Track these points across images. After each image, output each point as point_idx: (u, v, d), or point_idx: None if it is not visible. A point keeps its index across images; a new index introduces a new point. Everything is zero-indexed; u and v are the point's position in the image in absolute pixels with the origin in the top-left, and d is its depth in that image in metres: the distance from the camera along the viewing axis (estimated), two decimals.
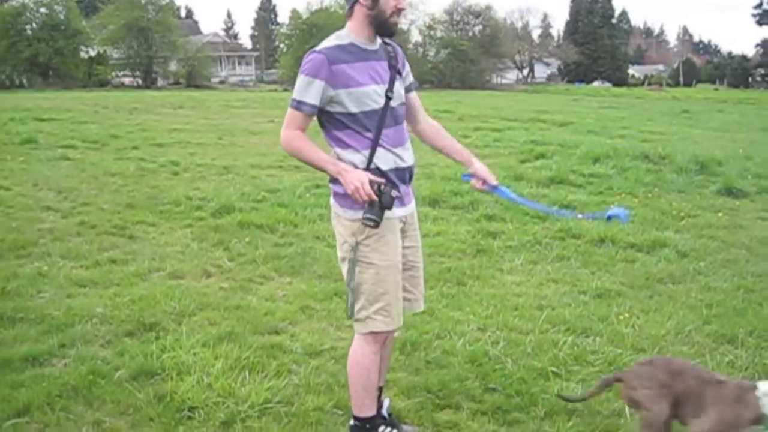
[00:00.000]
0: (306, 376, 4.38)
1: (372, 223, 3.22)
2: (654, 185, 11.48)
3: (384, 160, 3.35)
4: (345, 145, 3.33)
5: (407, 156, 3.46)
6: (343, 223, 3.39)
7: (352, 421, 3.60)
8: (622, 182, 11.69)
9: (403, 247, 3.49)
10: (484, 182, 3.60)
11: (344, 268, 3.45)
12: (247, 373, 4.33)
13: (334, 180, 3.37)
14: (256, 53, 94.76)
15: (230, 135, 18.62)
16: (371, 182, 3.18)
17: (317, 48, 3.29)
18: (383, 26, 3.33)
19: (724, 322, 5.42)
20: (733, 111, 37.70)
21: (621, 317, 5.51)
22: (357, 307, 3.40)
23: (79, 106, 26.47)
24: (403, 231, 3.50)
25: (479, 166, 3.63)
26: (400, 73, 3.48)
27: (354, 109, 3.27)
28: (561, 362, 4.63)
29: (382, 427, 3.63)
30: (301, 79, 3.27)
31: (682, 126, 25.79)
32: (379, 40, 3.42)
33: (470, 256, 7.33)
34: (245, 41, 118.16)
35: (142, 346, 4.74)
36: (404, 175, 3.44)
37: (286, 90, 57.69)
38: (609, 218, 3.77)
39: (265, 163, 13.55)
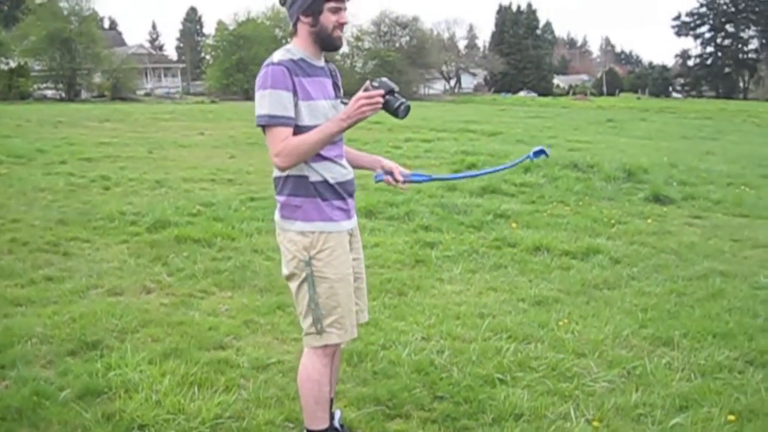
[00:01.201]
0: (255, 390, 4.37)
1: (403, 105, 3.21)
2: (584, 193, 11.75)
3: (332, 172, 3.39)
4: None
5: (349, 168, 3.53)
6: (292, 238, 3.40)
7: None
8: (553, 191, 11.93)
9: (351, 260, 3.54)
10: (395, 177, 3.64)
11: (293, 285, 3.47)
12: (196, 388, 4.29)
13: (283, 192, 3.40)
14: (182, 65, 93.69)
15: (160, 148, 18.41)
16: (361, 96, 3.17)
17: (273, 60, 3.29)
18: (326, 41, 3.36)
19: (659, 325, 5.59)
20: (656, 120, 38.75)
21: (560, 323, 5.64)
22: (310, 320, 3.42)
23: (1, 120, 25.83)
24: (349, 243, 3.54)
25: (388, 162, 3.70)
26: (340, 91, 3.54)
27: (308, 122, 3.28)
28: (506, 369, 4.71)
29: None
30: (266, 93, 3.23)
31: (607, 135, 26.44)
32: (323, 58, 3.47)
33: (409, 266, 7.40)
34: (171, 53, 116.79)
35: (86, 364, 4.66)
36: (350, 187, 3.50)
37: (213, 102, 57.19)
38: (535, 155, 3.84)
39: (198, 177, 13.45)
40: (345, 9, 3.32)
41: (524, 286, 6.81)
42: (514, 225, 9.31)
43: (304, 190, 3.37)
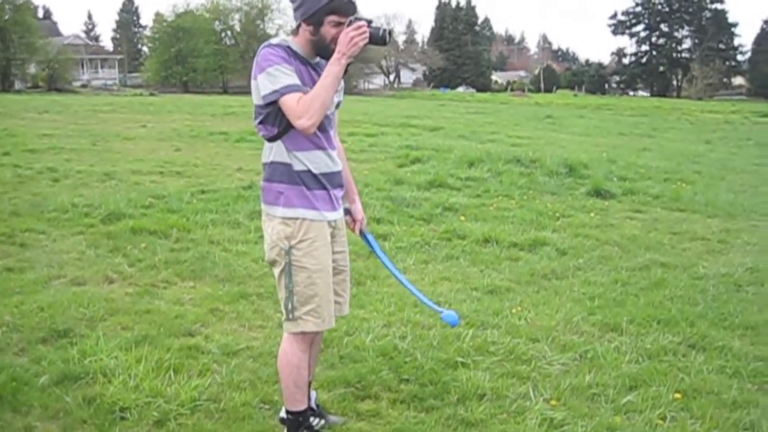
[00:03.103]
0: (228, 374, 4.54)
1: (386, 32, 3.41)
2: (528, 188, 12.06)
3: (316, 163, 3.53)
4: (281, 141, 3.50)
5: (337, 160, 3.67)
6: (276, 227, 3.54)
7: (283, 414, 3.79)
8: (497, 185, 12.20)
9: (334, 252, 3.68)
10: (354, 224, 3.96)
11: (275, 271, 3.63)
12: (172, 373, 4.44)
13: (267, 178, 3.57)
14: (119, 56, 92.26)
15: (104, 140, 18.26)
16: (349, 30, 3.34)
17: (272, 42, 3.45)
18: (323, 51, 3.48)
19: (606, 313, 5.89)
20: (593, 116, 39.49)
21: (513, 311, 5.90)
22: (288, 307, 3.57)
23: None
24: (332, 236, 3.67)
25: (358, 208, 3.97)
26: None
27: None
28: (466, 353, 4.96)
29: (311, 418, 3.84)
30: (271, 71, 3.36)
31: (547, 131, 26.93)
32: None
33: (364, 257, 7.57)
34: (107, 44, 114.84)
35: (59, 351, 4.77)
36: (335, 178, 3.64)
37: (152, 94, 56.54)
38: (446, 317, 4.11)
39: (146, 169, 13.42)
40: (347, 24, 3.42)
41: (476, 276, 7.07)
42: (462, 218, 9.57)
43: (288, 177, 3.51)
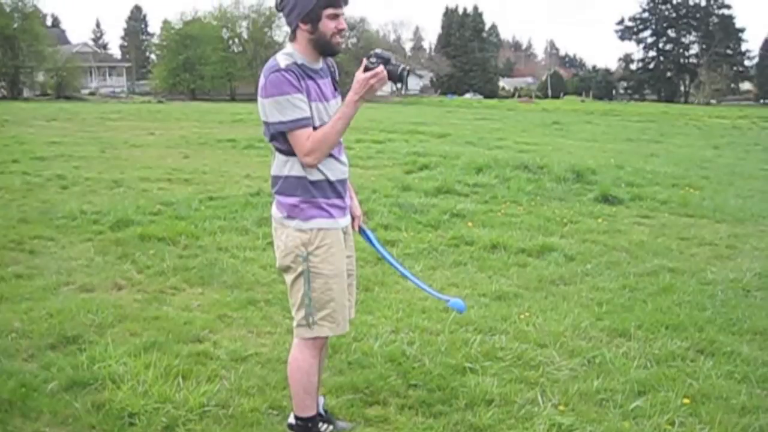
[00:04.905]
0: (236, 380, 4.55)
1: (404, 71, 3.41)
2: (536, 194, 12.05)
3: (333, 170, 3.55)
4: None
5: (347, 165, 3.70)
6: (291, 234, 3.53)
7: (292, 420, 3.80)
8: (505, 191, 12.20)
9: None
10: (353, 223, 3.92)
11: (288, 277, 3.62)
12: (180, 379, 4.45)
13: (281, 191, 3.55)
14: (126, 64, 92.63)
15: (112, 148, 18.36)
16: (368, 76, 3.37)
17: (281, 66, 3.39)
18: (325, 48, 3.49)
19: (614, 318, 5.89)
20: (600, 122, 39.43)
21: (521, 316, 5.90)
22: (303, 313, 3.58)
23: None
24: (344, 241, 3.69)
25: (356, 204, 3.94)
26: (337, 86, 3.72)
27: (317, 123, 3.43)
28: (474, 358, 4.96)
29: (320, 424, 3.84)
30: (281, 100, 3.35)
31: (554, 137, 26.93)
32: (321, 60, 3.59)
33: (372, 263, 7.58)
34: (115, 51, 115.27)
35: (68, 358, 4.79)
36: (346, 185, 3.68)
37: (160, 102, 56.74)
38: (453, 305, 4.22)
39: (154, 176, 13.48)
40: (343, 15, 3.45)
41: (484, 282, 7.07)
42: (470, 224, 9.56)
43: (302, 191, 3.51)
